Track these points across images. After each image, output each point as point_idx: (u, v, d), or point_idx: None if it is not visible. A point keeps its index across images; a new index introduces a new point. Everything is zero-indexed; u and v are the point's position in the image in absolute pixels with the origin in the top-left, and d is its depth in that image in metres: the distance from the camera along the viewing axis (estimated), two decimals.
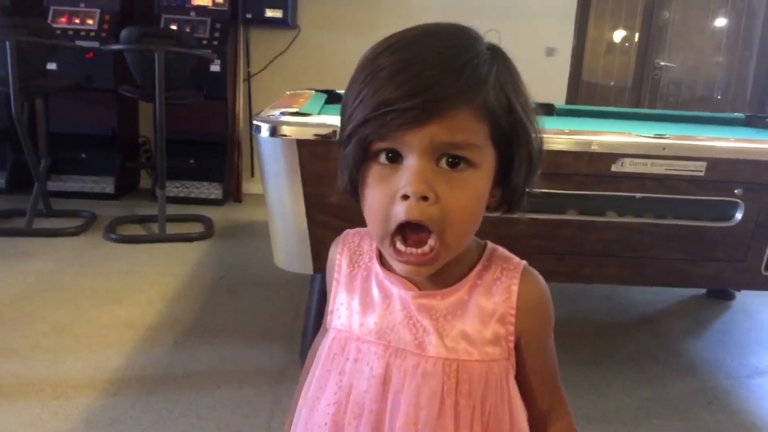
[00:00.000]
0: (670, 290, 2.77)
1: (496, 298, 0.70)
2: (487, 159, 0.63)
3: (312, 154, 1.59)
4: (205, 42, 3.86)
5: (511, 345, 0.70)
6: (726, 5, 4.71)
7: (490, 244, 0.74)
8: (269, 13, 4.04)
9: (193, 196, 3.99)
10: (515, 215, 0.71)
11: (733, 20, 4.74)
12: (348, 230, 0.80)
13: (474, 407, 0.68)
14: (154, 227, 3.29)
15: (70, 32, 3.75)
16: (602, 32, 4.71)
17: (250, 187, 4.29)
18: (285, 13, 4.05)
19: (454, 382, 0.68)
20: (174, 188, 3.89)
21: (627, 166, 1.64)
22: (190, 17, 3.96)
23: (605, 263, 1.73)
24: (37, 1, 3.86)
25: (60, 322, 2.18)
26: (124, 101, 3.83)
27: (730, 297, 2.76)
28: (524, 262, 0.73)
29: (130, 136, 4.22)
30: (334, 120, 1.61)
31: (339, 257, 0.77)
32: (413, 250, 0.63)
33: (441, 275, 0.69)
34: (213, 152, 4.04)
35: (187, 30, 3.88)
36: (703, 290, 2.79)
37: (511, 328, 0.70)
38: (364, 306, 0.73)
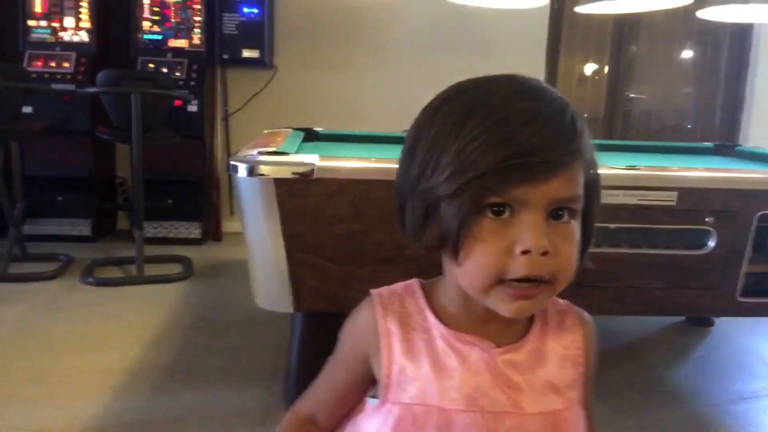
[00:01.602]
0: (650, 319, 2.79)
1: (565, 341, 0.70)
2: (580, 208, 0.64)
3: (290, 193, 1.59)
4: (182, 82, 3.88)
5: (582, 386, 0.71)
6: (692, 38, 4.86)
7: None
8: (246, 53, 4.08)
9: (171, 236, 3.95)
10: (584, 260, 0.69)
11: (699, 52, 4.89)
12: (376, 291, 0.73)
13: None
14: (132, 269, 3.25)
15: (46, 75, 3.75)
16: (572, 65, 4.82)
17: (229, 225, 4.27)
18: (262, 53, 4.10)
19: None
20: (152, 229, 3.86)
21: (600, 197, 1.67)
22: (167, 59, 3.98)
23: (583, 294, 1.74)
24: (13, 46, 3.87)
25: (36, 369, 2.14)
26: (100, 143, 3.81)
27: (710, 323, 2.78)
28: (567, 302, 0.73)
29: (107, 177, 4.20)
30: (311, 158, 1.63)
31: (382, 321, 0.70)
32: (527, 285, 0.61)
33: (511, 327, 0.68)
34: (191, 192, 4.03)
35: (164, 71, 3.90)
36: (682, 318, 2.82)
37: (582, 370, 0.70)
38: (438, 372, 0.67)
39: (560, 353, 0.69)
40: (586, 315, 0.73)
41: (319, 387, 0.80)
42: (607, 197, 1.66)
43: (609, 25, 4.71)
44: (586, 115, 4.83)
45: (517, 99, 0.61)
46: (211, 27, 4.03)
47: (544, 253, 0.59)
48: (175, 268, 3.32)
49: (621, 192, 1.66)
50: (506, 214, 0.60)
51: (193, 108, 3.88)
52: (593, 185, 0.65)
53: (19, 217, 3.28)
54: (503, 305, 0.62)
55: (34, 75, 3.58)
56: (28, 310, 2.70)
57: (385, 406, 0.69)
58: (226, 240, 4.17)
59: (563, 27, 4.64)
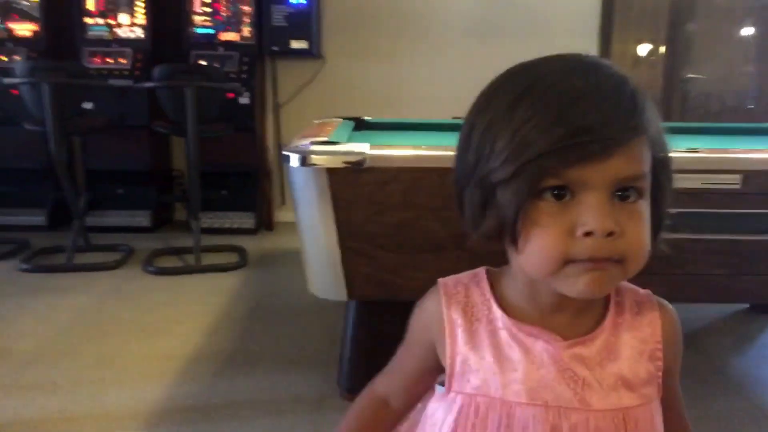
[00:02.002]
0: (711, 307, 2.70)
1: (642, 334, 0.67)
2: (649, 187, 0.61)
3: (342, 181, 1.61)
4: (233, 76, 3.95)
5: (660, 381, 0.68)
6: (753, 14, 4.65)
7: None
8: (294, 44, 4.12)
9: (226, 226, 4.05)
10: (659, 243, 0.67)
11: (761, 29, 4.68)
12: (443, 280, 0.73)
13: None
14: (190, 258, 3.34)
15: (104, 72, 3.87)
16: (627, 47, 4.68)
17: (281, 215, 4.34)
18: (310, 44, 4.12)
19: None
20: (208, 219, 3.96)
21: (672, 177, 1.62)
22: (219, 52, 4.06)
23: (644, 281, 1.70)
24: (71, 43, 4.01)
25: (102, 355, 2.22)
26: (157, 137, 3.93)
27: None
28: (649, 291, 0.70)
29: (164, 170, 4.32)
30: (362, 147, 1.63)
31: (446, 311, 0.69)
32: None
33: (579, 318, 0.67)
34: (244, 182, 4.11)
35: (216, 65, 3.97)
36: (746, 305, 2.72)
37: (660, 364, 0.67)
38: (501, 364, 0.66)
39: (636, 347, 0.67)
40: (667, 306, 0.70)
41: (391, 371, 0.80)
42: None
43: (664, 3, 4.55)
44: None
45: (571, 77, 0.58)
46: (259, 19, 4.08)
47: (610, 234, 0.57)
48: (231, 257, 3.40)
49: (682, 176, 1.61)
50: (567, 197, 0.58)
51: (244, 100, 3.95)
52: (662, 164, 0.63)
53: (82, 210, 3.41)
54: (573, 286, 0.59)
55: (92, 71, 3.70)
56: (93, 298, 2.81)
57: (450, 394, 0.69)
58: (278, 229, 4.24)
59: (616, 6, 4.50)
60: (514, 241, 0.61)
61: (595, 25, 4.36)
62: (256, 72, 4.06)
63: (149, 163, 4.03)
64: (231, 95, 3.75)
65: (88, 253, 3.41)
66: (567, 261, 0.58)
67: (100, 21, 3.99)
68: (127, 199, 4.02)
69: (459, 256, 1.75)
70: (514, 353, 0.66)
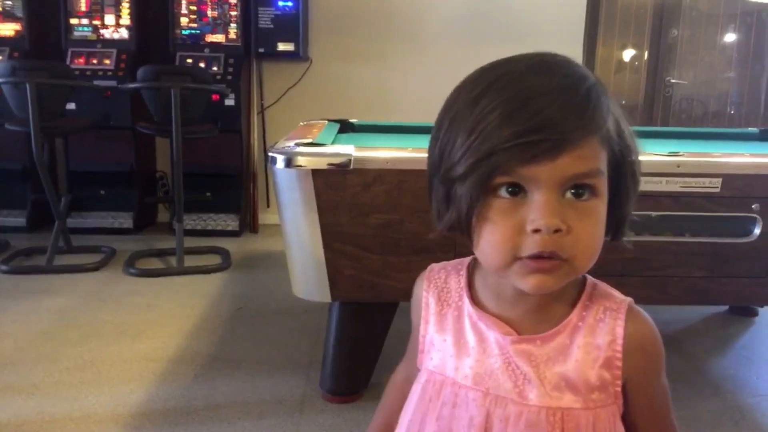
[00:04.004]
0: (692, 308, 2.73)
1: (599, 341, 0.66)
2: (605, 186, 0.62)
3: (327, 184, 1.61)
4: (219, 77, 3.93)
5: (618, 389, 0.67)
6: (735, 20, 4.71)
7: (590, 279, 0.71)
8: (281, 46, 4.11)
9: (210, 228, 4.02)
10: (622, 240, 0.68)
11: (743, 35, 4.75)
12: (432, 265, 0.78)
13: None
14: (173, 260, 3.32)
15: (88, 72, 3.84)
16: (611, 52, 4.73)
17: (265, 217, 4.32)
18: (297, 46, 4.12)
19: (559, 431, 0.65)
20: (191, 221, 3.94)
21: (642, 184, 1.64)
22: (205, 54, 4.04)
23: (624, 283, 1.72)
24: (56, 43, 3.97)
25: (82, 357, 2.20)
26: (141, 138, 3.90)
27: (753, 313, 2.72)
28: (629, 299, 0.70)
29: (147, 171, 4.29)
30: (347, 149, 1.63)
31: (425, 294, 0.75)
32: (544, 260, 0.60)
33: (541, 315, 0.68)
34: (229, 184, 4.09)
35: (202, 66, 3.96)
36: (726, 307, 2.76)
37: (618, 372, 0.67)
38: (458, 348, 0.71)
39: (590, 352, 0.66)
40: (642, 318, 0.69)
41: (407, 355, 0.84)
42: (649, 184, 1.64)
43: (648, 9, 4.61)
44: (624, 102, 4.74)
45: (530, 75, 0.59)
46: (246, 21, 4.07)
47: (557, 231, 0.58)
48: (214, 259, 3.38)
49: (663, 179, 1.63)
50: (520, 195, 0.59)
51: (230, 102, 3.93)
52: (624, 164, 0.63)
53: (64, 211, 3.38)
54: (522, 281, 0.61)
55: (76, 72, 3.66)
56: (73, 300, 2.78)
57: (421, 370, 0.75)
58: (263, 232, 4.22)
59: (601, 12, 4.55)
60: (469, 236, 0.63)
61: (580, 30, 4.40)
62: (242, 74, 4.04)
63: (132, 165, 4.00)
64: (216, 97, 3.74)
65: (69, 254, 3.38)
66: (516, 257, 0.60)
67: (86, 22, 3.96)
68: (109, 201, 3.98)
69: (443, 258, 1.76)
70: (471, 340, 0.70)
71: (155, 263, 3.36)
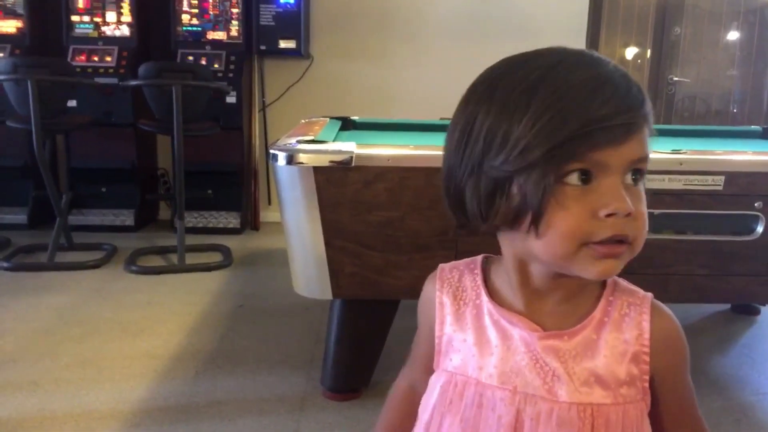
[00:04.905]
0: (694, 307, 2.73)
1: (626, 336, 0.67)
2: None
3: (328, 181, 1.60)
4: (220, 74, 3.93)
5: (646, 384, 0.68)
6: (738, 18, 4.70)
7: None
8: (282, 44, 4.11)
9: (211, 225, 4.02)
10: None
11: (745, 33, 4.73)
12: (442, 265, 0.77)
13: None
14: (174, 258, 3.31)
15: (90, 70, 3.84)
16: (614, 49, 4.72)
17: (267, 215, 4.32)
18: (298, 44, 4.12)
19: (589, 428, 0.65)
20: (192, 218, 3.94)
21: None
22: (206, 51, 4.04)
23: (627, 281, 1.71)
24: (57, 40, 3.97)
25: (83, 354, 2.20)
26: (142, 135, 3.90)
27: (756, 312, 2.71)
28: (650, 294, 0.70)
29: (148, 168, 4.29)
30: (349, 146, 1.63)
31: (439, 294, 0.74)
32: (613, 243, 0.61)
33: (565, 311, 0.68)
34: (230, 182, 4.09)
35: (203, 63, 3.95)
36: (728, 306, 2.75)
37: (646, 368, 0.67)
38: (481, 347, 0.70)
39: (618, 347, 0.67)
40: (665, 312, 0.69)
41: (411, 360, 0.83)
42: (652, 182, 1.63)
43: (651, 7, 4.59)
44: None
45: (581, 68, 0.61)
46: (248, 18, 4.07)
47: (628, 215, 0.60)
48: (216, 257, 3.37)
49: (666, 177, 1.62)
50: (589, 181, 0.60)
51: (231, 99, 3.93)
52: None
53: (65, 208, 3.37)
54: (589, 267, 0.61)
55: (78, 69, 3.66)
56: (74, 297, 2.78)
57: (437, 371, 0.73)
58: (264, 229, 4.22)
59: (604, 10, 4.54)
60: (536, 226, 0.61)
61: (583, 27, 4.39)
62: (243, 71, 4.04)
63: (134, 162, 3.99)
64: (217, 94, 3.74)
65: (70, 252, 3.38)
66: (584, 243, 0.60)
67: (87, 19, 3.96)
68: (110, 198, 3.98)
69: (445, 255, 1.76)
70: (493, 338, 0.69)
71: (156, 261, 3.36)
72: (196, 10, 4.05)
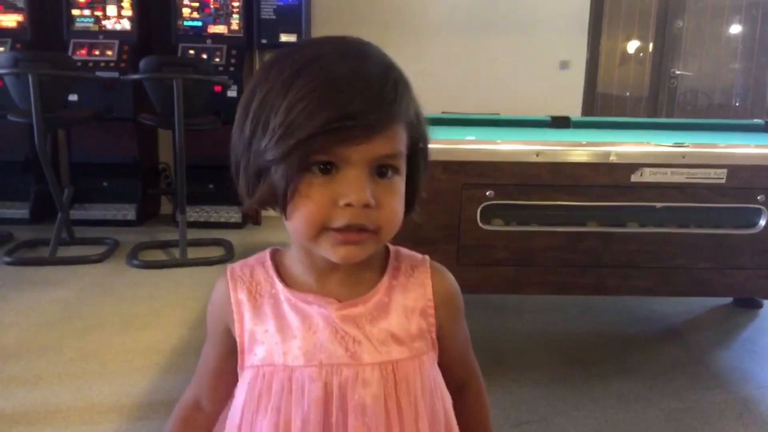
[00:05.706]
0: (696, 300, 2.72)
1: (414, 294, 0.74)
2: (404, 166, 0.68)
3: None
4: (221, 68, 3.92)
5: (434, 336, 0.75)
6: (740, 12, 4.69)
7: (391, 246, 0.77)
8: (284, 37, 4.09)
9: (212, 220, 4.03)
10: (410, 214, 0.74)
11: (748, 27, 4.72)
12: (230, 265, 0.78)
13: (415, 403, 0.71)
14: (176, 252, 3.32)
15: (90, 64, 3.84)
16: (616, 43, 4.71)
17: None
18: (299, 38, 4.10)
19: (392, 383, 0.70)
20: (194, 213, 3.94)
21: (647, 175, 1.63)
22: (207, 45, 4.03)
23: (629, 274, 1.71)
24: (58, 35, 3.96)
25: (86, 348, 2.20)
26: (143, 129, 3.90)
27: (758, 305, 2.71)
28: (427, 256, 0.77)
29: (150, 163, 4.29)
30: None
31: (233, 293, 0.75)
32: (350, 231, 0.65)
33: (356, 283, 0.72)
34: (232, 176, 4.07)
35: (204, 57, 3.94)
36: (730, 299, 2.75)
37: (432, 320, 0.74)
38: (283, 333, 0.71)
39: (407, 305, 0.73)
40: (443, 271, 0.77)
41: (197, 375, 0.84)
42: (654, 175, 1.63)
43: (653, 1, 4.58)
44: (629, 93, 4.72)
45: (341, 62, 0.63)
46: (249, 12, 4.05)
47: (366, 206, 0.63)
48: (217, 251, 3.38)
49: (668, 170, 1.62)
50: (333, 171, 0.63)
51: (232, 93, 3.92)
52: (420, 148, 0.70)
53: (67, 203, 3.38)
54: (332, 251, 0.65)
55: (78, 63, 3.66)
56: (76, 292, 2.79)
57: (243, 371, 0.74)
58: (266, 224, 4.22)
59: (606, 3, 4.52)
60: (283, 210, 0.66)
61: (585, 21, 4.37)
62: (244, 65, 4.03)
63: (135, 156, 4.00)
64: (218, 88, 3.73)
65: (72, 246, 3.38)
66: (326, 228, 0.64)
67: (87, 13, 3.95)
68: (112, 192, 3.98)
69: (446, 250, 1.75)
70: (294, 321, 0.71)
71: (158, 255, 3.36)
72: (197, 4, 4.04)
